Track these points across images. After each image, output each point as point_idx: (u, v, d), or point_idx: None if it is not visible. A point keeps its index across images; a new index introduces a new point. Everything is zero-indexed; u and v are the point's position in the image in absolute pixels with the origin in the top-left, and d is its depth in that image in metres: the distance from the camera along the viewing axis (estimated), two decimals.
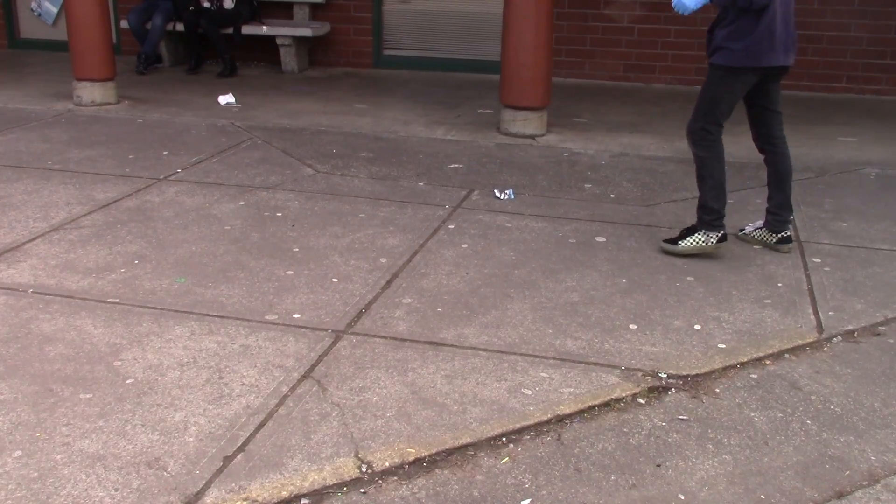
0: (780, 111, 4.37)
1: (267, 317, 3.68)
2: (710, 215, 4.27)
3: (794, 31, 4.15)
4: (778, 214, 4.41)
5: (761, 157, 4.47)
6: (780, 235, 4.40)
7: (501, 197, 5.14)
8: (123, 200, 5.04)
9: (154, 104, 7.37)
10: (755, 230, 4.51)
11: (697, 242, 4.27)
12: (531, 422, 2.97)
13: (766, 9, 3.94)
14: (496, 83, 6.92)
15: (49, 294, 3.86)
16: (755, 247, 4.48)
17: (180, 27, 8.63)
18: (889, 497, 2.63)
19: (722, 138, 4.23)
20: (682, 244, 4.31)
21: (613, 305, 3.84)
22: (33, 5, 9.69)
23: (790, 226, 4.44)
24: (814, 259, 4.36)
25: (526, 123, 6.46)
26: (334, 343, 3.47)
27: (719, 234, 4.27)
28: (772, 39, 4.00)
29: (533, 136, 6.46)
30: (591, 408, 3.06)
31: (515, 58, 6.28)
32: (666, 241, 4.39)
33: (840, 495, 2.65)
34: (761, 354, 3.45)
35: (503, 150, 6.17)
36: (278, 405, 3.04)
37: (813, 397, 3.16)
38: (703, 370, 3.32)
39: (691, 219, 4.78)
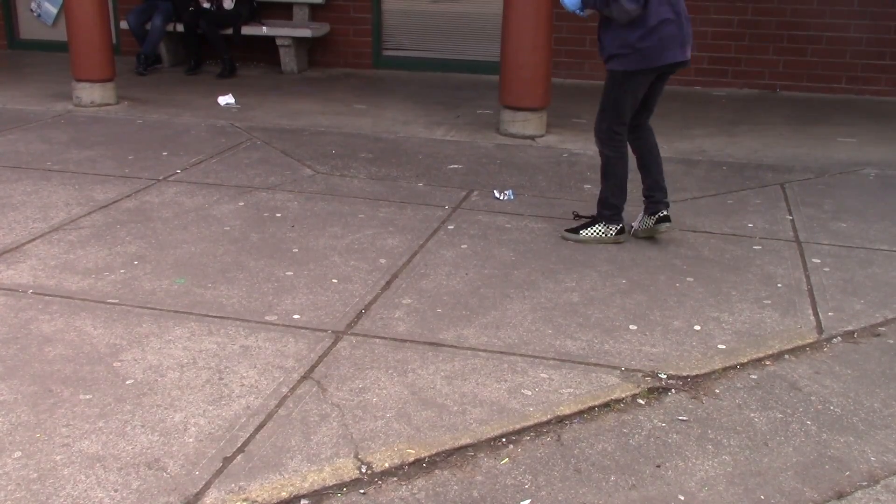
0: (654, 109, 4.51)
1: (266, 317, 3.68)
2: (609, 210, 4.46)
3: (689, 27, 4.31)
4: (651, 196, 4.50)
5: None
6: (656, 216, 4.47)
7: (501, 198, 5.14)
8: (123, 201, 5.04)
9: (153, 105, 7.37)
10: (639, 223, 4.58)
11: (598, 233, 4.47)
12: (531, 422, 2.97)
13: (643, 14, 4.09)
14: (495, 84, 6.92)
15: (49, 295, 3.85)
16: (746, 247, 4.48)
17: (180, 28, 8.64)
18: (889, 497, 2.64)
19: (626, 138, 4.42)
20: (584, 234, 4.48)
21: (613, 306, 3.84)
22: (33, 6, 9.69)
23: (666, 207, 4.50)
24: (813, 259, 4.36)
25: (525, 124, 6.46)
26: (334, 344, 3.47)
27: (618, 227, 4.48)
28: (661, 40, 4.14)
29: (532, 137, 6.46)
30: (591, 408, 3.06)
31: (515, 58, 6.28)
32: (567, 230, 4.55)
33: (840, 496, 2.65)
34: (761, 355, 3.45)
35: (503, 151, 6.17)
36: (278, 406, 3.04)
37: (813, 398, 3.16)
38: (702, 371, 3.32)
39: (690, 219, 4.80)
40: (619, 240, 4.46)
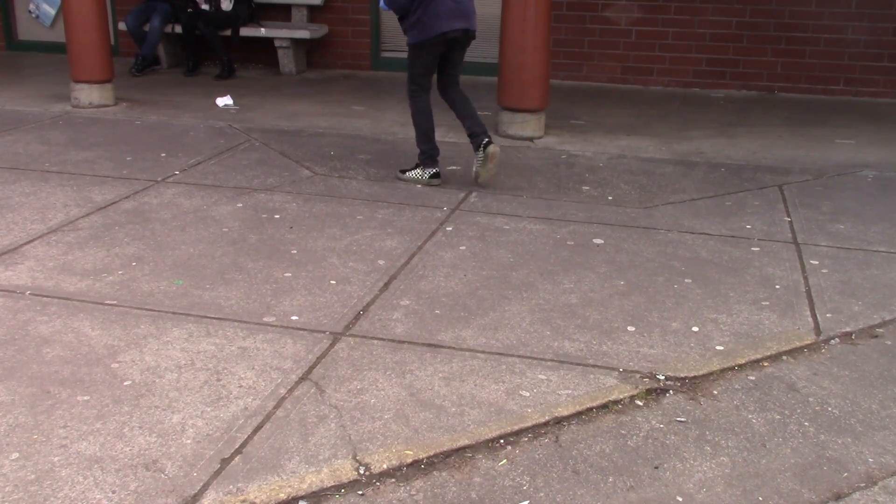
0: (456, 74, 5.34)
1: (265, 319, 3.68)
2: (421, 154, 5.38)
3: (468, 2, 5.09)
4: (473, 133, 5.25)
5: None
6: (482, 146, 5.21)
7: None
8: (121, 202, 5.04)
9: (152, 106, 7.37)
10: (475, 168, 5.30)
11: (416, 175, 5.42)
12: (529, 423, 2.97)
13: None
14: (494, 86, 6.92)
15: (47, 296, 3.85)
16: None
17: (178, 29, 8.64)
18: (887, 499, 2.64)
19: (428, 97, 5.27)
20: (407, 174, 5.44)
21: (611, 307, 3.84)
22: (31, 7, 9.69)
23: (488, 137, 5.25)
24: (811, 261, 4.36)
25: (524, 125, 6.47)
26: (332, 345, 3.47)
27: (432, 171, 5.39)
28: (435, 15, 4.95)
29: (531, 139, 6.46)
30: (589, 410, 3.06)
31: (513, 60, 6.28)
32: (400, 170, 5.49)
33: (838, 497, 2.65)
34: (759, 356, 3.45)
35: (501, 152, 6.16)
36: (276, 407, 3.04)
37: (811, 399, 3.16)
38: (700, 372, 3.32)
39: (689, 220, 4.81)
40: (431, 183, 5.36)
